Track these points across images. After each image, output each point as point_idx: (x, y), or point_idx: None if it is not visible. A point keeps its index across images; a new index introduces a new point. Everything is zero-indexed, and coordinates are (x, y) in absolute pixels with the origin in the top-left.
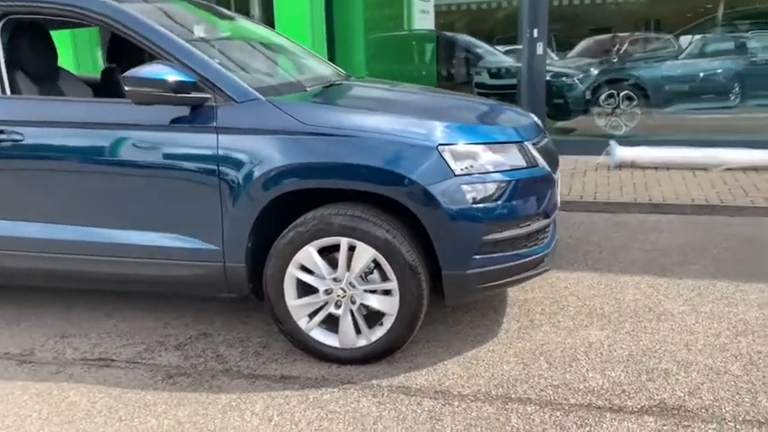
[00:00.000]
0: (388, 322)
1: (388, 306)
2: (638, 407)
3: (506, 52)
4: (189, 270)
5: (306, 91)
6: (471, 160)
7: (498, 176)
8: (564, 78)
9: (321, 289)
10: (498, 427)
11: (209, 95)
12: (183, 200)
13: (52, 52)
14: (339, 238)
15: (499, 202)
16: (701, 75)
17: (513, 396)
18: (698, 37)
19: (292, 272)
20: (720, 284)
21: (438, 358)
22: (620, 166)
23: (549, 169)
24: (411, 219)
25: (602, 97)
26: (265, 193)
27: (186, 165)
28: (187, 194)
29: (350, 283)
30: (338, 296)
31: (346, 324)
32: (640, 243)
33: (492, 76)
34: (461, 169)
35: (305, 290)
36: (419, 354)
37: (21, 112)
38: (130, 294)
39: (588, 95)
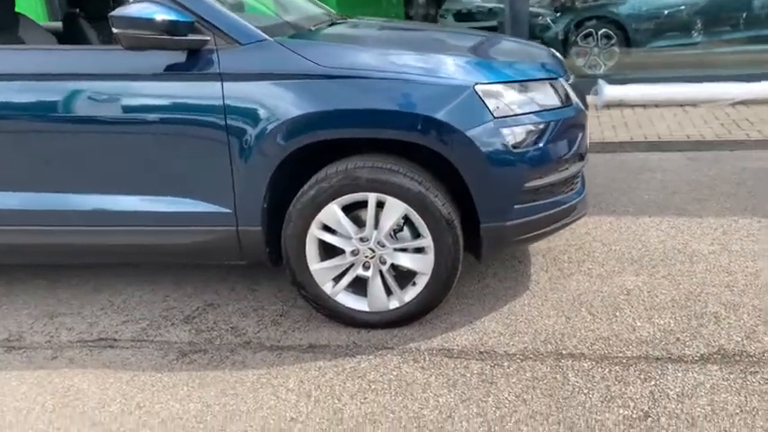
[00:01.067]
0: (421, 281)
1: (422, 264)
2: (698, 355)
3: None
4: (198, 237)
5: (311, 30)
6: (509, 100)
7: (537, 117)
8: (539, 18)
9: (347, 250)
10: (558, 387)
11: (208, 38)
12: (187, 159)
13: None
14: (366, 193)
15: (540, 145)
16: (679, 9)
17: (563, 352)
18: None
19: (314, 233)
20: (743, 221)
21: (473, 316)
22: (608, 105)
23: (583, 107)
24: (443, 169)
25: (580, 36)
26: (281, 146)
27: (188, 118)
28: (192, 152)
29: (378, 243)
30: (366, 257)
31: (376, 286)
32: (647, 183)
33: (459, 18)
34: (500, 111)
35: (328, 252)
36: (452, 313)
37: None
38: (117, 266)
39: (565, 35)
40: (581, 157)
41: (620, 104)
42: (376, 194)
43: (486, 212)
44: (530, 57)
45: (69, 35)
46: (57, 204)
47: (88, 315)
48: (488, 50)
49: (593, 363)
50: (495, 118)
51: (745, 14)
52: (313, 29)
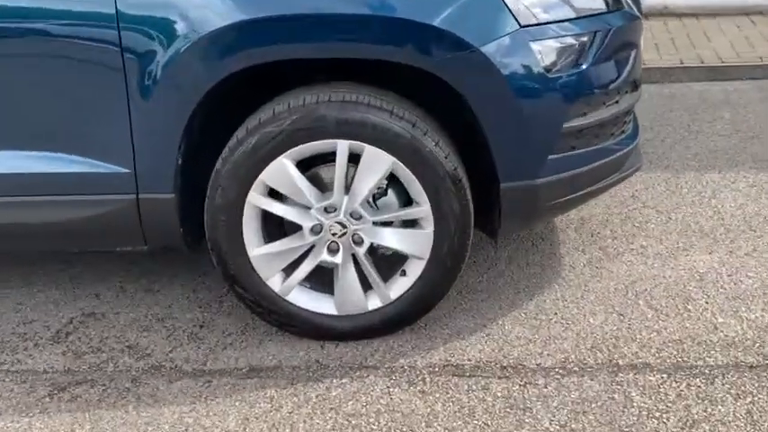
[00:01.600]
0: (414, 269)
1: (416, 244)
2: None
3: None
4: (78, 211)
5: None
6: (538, 2)
7: (578, 26)
8: None
9: (305, 226)
10: (618, 411)
11: None
12: (61, 93)
13: None
14: (335, 140)
15: (583, 67)
16: None
17: (621, 362)
18: None
19: (255, 201)
20: None
21: (487, 317)
22: (647, 14)
23: (637, 13)
24: (443, 105)
25: None
26: (205, 72)
27: (62, 30)
28: (68, 83)
29: (352, 214)
30: (333, 235)
31: (348, 278)
32: (711, 125)
33: None
34: (527, 16)
35: (276, 230)
36: (456, 313)
37: None
38: None
39: None
40: (635, 86)
41: (664, 13)
42: (348, 142)
43: (507, 167)
44: None
45: None
46: None
47: None
48: None
49: (664, 376)
50: (521, 27)
51: None
52: None
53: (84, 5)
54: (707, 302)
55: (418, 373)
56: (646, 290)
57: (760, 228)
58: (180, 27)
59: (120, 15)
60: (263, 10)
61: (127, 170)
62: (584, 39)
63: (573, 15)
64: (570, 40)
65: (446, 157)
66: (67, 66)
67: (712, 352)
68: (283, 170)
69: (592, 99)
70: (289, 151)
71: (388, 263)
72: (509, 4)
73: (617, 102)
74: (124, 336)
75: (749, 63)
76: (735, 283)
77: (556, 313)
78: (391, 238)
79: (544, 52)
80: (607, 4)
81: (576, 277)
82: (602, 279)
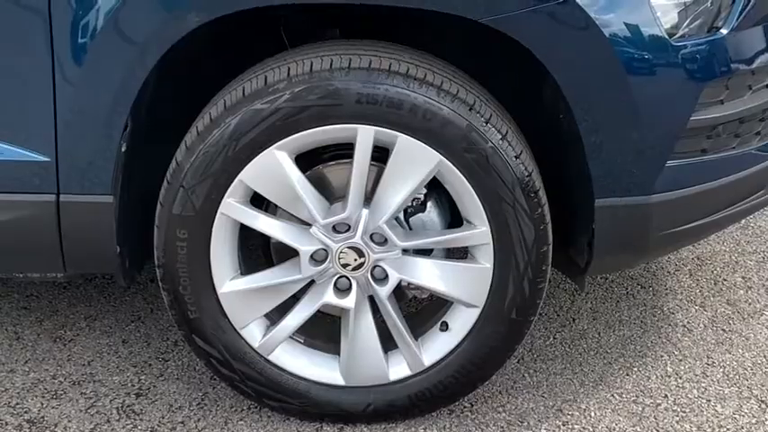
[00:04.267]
0: (462, 322)
1: (466, 285)
2: None
3: None
4: None
5: None
6: None
7: None
8: None
9: (303, 251)
10: None
11: None
12: None
13: None
14: (353, 125)
15: (722, 33)
16: None
17: None
18: None
19: (231, 211)
20: None
21: (565, 398)
22: None
23: None
24: (513, 82)
25: None
26: (165, 22)
27: None
28: None
29: (372, 236)
30: (344, 266)
31: (363, 331)
32: None
33: None
34: None
35: (260, 255)
36: (517, 389)
37: None
38: None
39: None
40: None
41: None
42: (374, 129)
43: (607, 177)
44: None
45: None
46: None
47: None
48: None
49: None
50: None
51: None
52: None
53: None
54: None
55: None
56: None
57: None
58: None
59: None
60: None
61: (45, 159)
62: None
63: None
64: None
65: (517, 158)
66: None
67: None
68: (275, 167)
69: (733, 80)
70: (285, 140)
71: (423, 311)
72: None
73: (766, 84)
74: (22, 405)
75: None
76: None
77: (666, 396)
78: (429, 275)
79: (668, 8)
80: None
81: (694, 344)
82: (733, 348)
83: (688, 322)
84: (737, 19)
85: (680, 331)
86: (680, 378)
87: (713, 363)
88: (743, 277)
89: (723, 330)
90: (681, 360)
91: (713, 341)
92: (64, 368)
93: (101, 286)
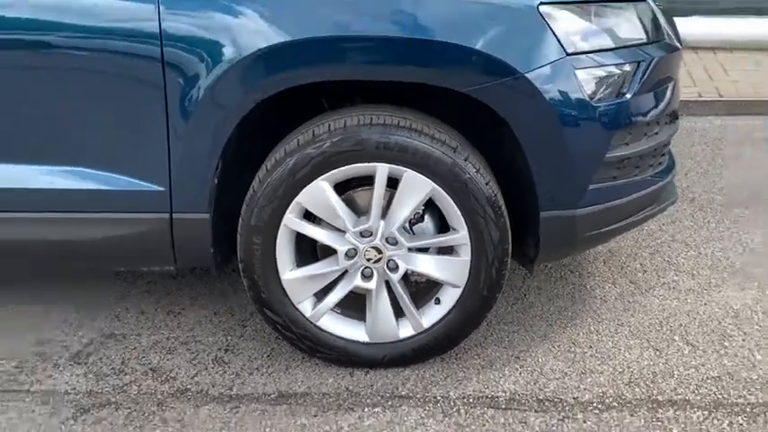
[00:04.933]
0: (449, 297)
1: (452, 272)
2: None
3: None
4: (109, 229)
5: None
6: (586, 29)
7: (623, 55)
8: None
9: (340, 250)
10: None
11: None
12: (100, 109)
13: None
14: (374, 164)
15: (627, 96)
16: None
17: (660, 398)
18: None
19: (291, 223)
20: None
21: (518, 348)
22: None
23: (677, 44)
24: (483, 131)
25: None
26: (247, 92)
27: (105, 45)
28: (107, 99)
29: (388, 239)
30: (368, 260)
31: (382, 305)
32: (734, 160)
33: None
34: (574, 44)
35: (309, 253)
36: (487, 344)
37: None
38: None
39: None
40: (674, 117)
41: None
42: (388, 166)
43: (550, 196)
44: None
45: None
46: None
47: None
48: None
49: (705, 413)
50: (567, 54)
51: None
52: None
53: (129, 23)
54: (744, 340)
55: (453, 404)
56: (681, 325)
57: None
58: (224, 47)
59: (164, 32)
60: (314, 31)
61: (162, 188)
62: (627, 68)
63: (616, 45)
64: (614, 70)
65: (486, 184)
66: (109, 82)
67: (753, 389)
68: (320, 193)
69: (633, 129)
70: (327, 174)
71: (422, 290)
72: (556, 31)
73: (657, 133)
74: (146, 358)
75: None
76: None
77: (590, 347)
78: (427, 265)
79: (589, 80)
80: (648, 34)
81: (609, 311)
82: (636, 313)
83: (603, 296)
84: (636, 88)
85: (598, 302)
86: (599, 334)
87: (622, 324)
88: (641, 264)
89: (628, 301)
90: (599, 322)
91: (621, 308)
92: (174, 332)
93: (199, 275)
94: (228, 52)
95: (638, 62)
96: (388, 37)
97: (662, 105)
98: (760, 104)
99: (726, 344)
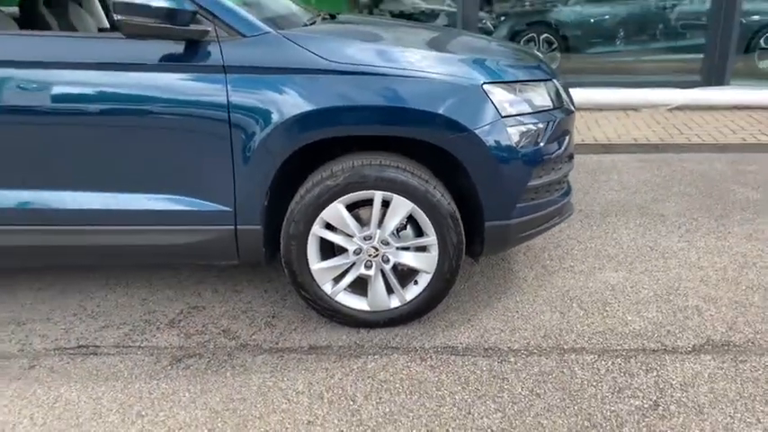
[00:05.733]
0: (423, 280)
1: (425, 263)
2: (690, 346)
3: None
4: (195, 236)
5: (306, 25)
6: (513, 100)
7: (538, 117)
8: (482, 22)
9: (350, 249)
10: (567, 381)
11: (209, 28)
12: (187, 155)
13: None
14: (373, 191)
15: (541, 145)
16: (618, 17)
17: (565, 347)
18: None
19: (317, 232)
20: (702, 219)
21: (469, 313)
22: None
23: (572, 108)
24: (442, 167)
25: (522, 41)
26: (287, 143)
27: (189, 111)
28: (192, 148)
29: (382, 241)
30: (369, 256)
31: (378, 285)
32: (607, 183)
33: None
34: (506, 110)
35: (326, 251)
36: (448, 310)
37: None
38: (82, 267)
39: (508, 40)
40: (570, 158)
41: None
42: (382, 193)
43: (491, 211)
44: (524, 58)
45: (28, 21)
46: (42, 203)
47: (60, 321)
48: (486, 50)
49: (596, 356)
50: (502, 117)
51: (675, 25)
52: (308, 23)
53: (207, 94)
54: (618, 306)
55: (427, 352)
56: (576, 296)
57: (648, 255)
58: (274, 110)
59: (230, 102)
60: (335, 102)
61: (230, 209)
62: (540, 126)
63: (532, 110)
64: (532, 127)
65: (448, 204)
66: (193, 134)
67: (626, 340)
68: (337, 211)
69: (545, 166)
70: (341, 198)
71: (404, 275)
72: (493, 101)
73: (560, 168)
74: (219, 322)
75: (627, 142)
76: (636, 293)
77: (517, 311)
78: (409, 258)
79: (516, 134)
80: (553, 102)
81: (528, 287)
82: (546, 288)
83: (524, 276)
84: (546, 138)
85: (520, 281)
86: (523, 303)
87: (537, 296)
88: (548, 254)
89: (541, 280)
90: (523, 294)
91: (537, 285)
92: (238, 305)
93: (252, 266)
94: (277, 114)
95: (548, 122)
96: (389, 107)
97: (563, 150)
98: (621, 146)
99: (607, 309)
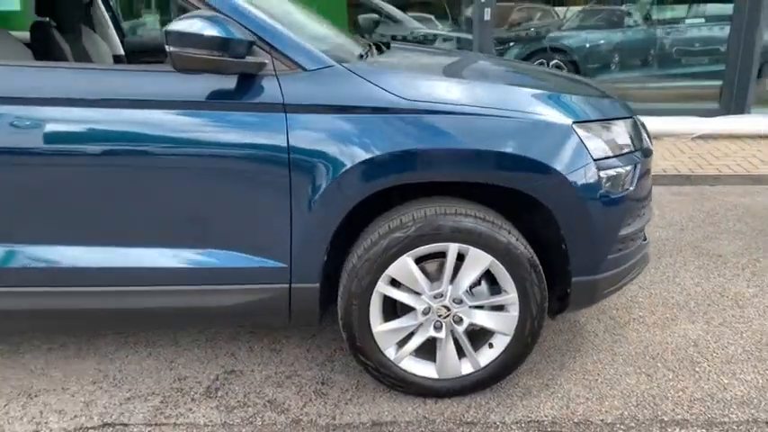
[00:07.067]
0: (500, 343)
1: (503, 323)
2: None
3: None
4: (244, 297)
5: (363, 56)
6: (603, 140)
7: (626, 158)
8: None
9: (418, 308)
10: None
11: (266, 61)
12: (240, 204)
13: None
14: (447, 243)
15: (631, 189)
16: (628, 43)
17: (665, 419)
18: (630, 6)
19: (381, 289)
20: (765, 261)
21: (546, 377)
22: None
23: (651, 147)
24: (522, 217)
25: None
26: (356, 191)
27: (244, 155)
28: (247, 196)
29: (454, 299)
30: (439, 316)
31: (448, 349)
32: (661, 220)
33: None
34: (597, 151)
35: (393, 310)
36: (521, 373)
37: None
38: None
39: None
40: (650, 200)
41: None
42: (458, 245)
43: (579, 264)
44: (604, 94)
45: (40, 47)
46: (75, 261)
47: (78, 391)
48: (563, 85)
49: (703, 430)
50: (594, 160)
51: (689, 51)
52: (363, 54)
53: (265, 135)
54: (708, 366)
55: (509, 428)
56: (658, 354)
57: (719, 302)
58: (340, 153)
59: (291, 145)
60: (411, 143)
61: (285, 265)
62: (628, 168)
63: (620, 151)
64: (621, 170)
65: (531, 258)
66: (248, 180)
67: (732, 409)
68: (406, 266)
69: (635, 212)
70: (411, 251)
71: (477, 335)
72: (585, 142)
73: (644, 214)
74: (263, 391)
75: (657, 173)
76: (722, 349)
77: (598, 374)
78: (485, 319)
79: (607, 177)
80: (636, 142)
81: (602, 342)
82: (622, 344)
83: (594, 330)
84: (634, 182)
85: (591, 335)
86: (602, 362)
87: (615, 353)
88: (613, 304)
89: (613, 334)
90: (599, 352)
91: (610, 340)
92: (280, 367)
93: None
94: (343, 161)
95: (635, 163)
96: (473, 150)
97: (645, 193)
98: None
99: (697, 369)
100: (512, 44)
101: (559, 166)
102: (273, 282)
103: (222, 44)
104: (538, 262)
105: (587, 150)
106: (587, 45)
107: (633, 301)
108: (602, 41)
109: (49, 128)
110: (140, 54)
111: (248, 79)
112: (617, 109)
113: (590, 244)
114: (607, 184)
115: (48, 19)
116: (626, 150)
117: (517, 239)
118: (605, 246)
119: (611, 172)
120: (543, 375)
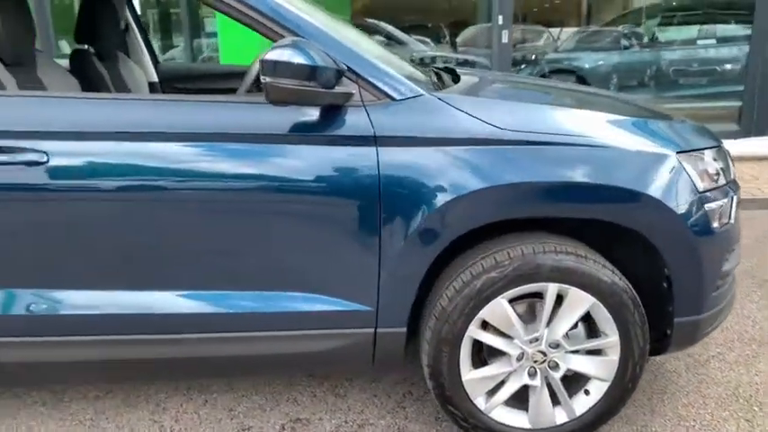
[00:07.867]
0: (597, 389)
1: (602, 369)
2: None
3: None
4: (328, 342)
5: (454, 84)
6: (704, 171)
7: (724, 190)
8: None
9: (512, 354)
10: None
11: (353, 90)
12: (326, 244)
13: (29, 27)
14: (546, 284)
15: (731, 221)
16: (643, 65)
17: None
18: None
19: (473, 333)
20: None
21: (639, 423)
22: None
23: (734, 178)
24: (617, 253)
25: None
26: (450, 229)
27: (333, 191)
28: (332, 235)
29: (551, 344)
30: (534, 362)
31: (543, 397)
32: None
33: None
34: (702, 183)
35: (477, 356)
36: (612, 421)
37: (42, 117)
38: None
39: None
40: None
41: None
42: (558, 285)
43: (683, 304)
44: (693, 122)
45: (79, 75)
46: (147, 307)
47: None
48: (657, 113)
49: None
50: (699, 192)
51: (706, 72)
52: (437, 82)
53: (354, 172)
54: None
55: None
56: (751, 396)
57: None
58: (434, 189)
59: (383, 181)
60: (514, 176)
61: (371, 308)
62: (726, 200)
63: (718, 183)
64: (723, 201)
65: (633, 299)
66: (335, 219)
67: None
68: (500, 308)
69: (732, 246)
70: (507, 292)
71: (571, 381)
72: (690, 174)
73: (737, 249)
74: None
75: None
76: None
77: (694, 420)
78: (582, 365)
79: (712, 212)
80: (726, 177)
81: (687, 383)
82: (709, 385)
83: (675, 369)
84: (732, 216)
85: (674, 375)
86: (694, 407)
87: (705, 396)
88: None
89: (696, 374)
90: (686, 394)
91: (696, 381)
92: (349, 416)
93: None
94: (437, 197)
95: (731, 195)
96: (581, 184)
97: (738, 227)
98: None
99: None
100: (523, 66)
101: (668, 199)
102: (359, 326)
103: (312, 73)
104: (640, 305)
105: (693, 182)
106: (598, 65)
107: (707, 336)
108: (612, 62)
109: (118, 163)
110: (173, 81)
111: (333, 110)
112: (710, 138)
113: (695, 283)
114: (712, 218)
115: (86, 46)
116: (722, 182)
117: (620, 279)
118: (710, 284)
119: (713, 205)
120: (635, 421)
